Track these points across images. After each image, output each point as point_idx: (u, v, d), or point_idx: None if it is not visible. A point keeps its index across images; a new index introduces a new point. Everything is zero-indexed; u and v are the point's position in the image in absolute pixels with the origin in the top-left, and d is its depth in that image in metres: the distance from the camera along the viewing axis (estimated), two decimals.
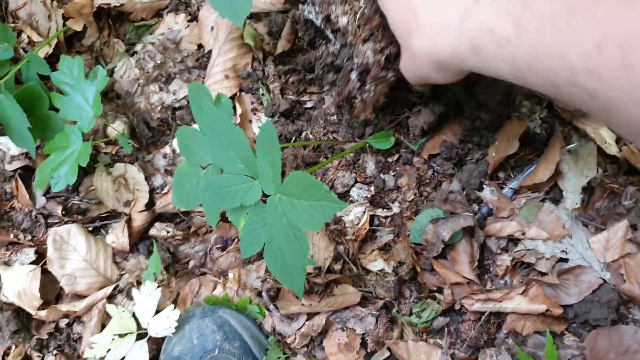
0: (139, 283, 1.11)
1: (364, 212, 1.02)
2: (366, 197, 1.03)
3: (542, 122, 0.99)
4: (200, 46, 1.16)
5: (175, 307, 1.01)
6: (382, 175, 1.04)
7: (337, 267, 1.01)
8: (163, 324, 1.01)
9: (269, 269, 0.84)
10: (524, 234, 0.94)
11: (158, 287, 1.03)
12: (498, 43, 0.59)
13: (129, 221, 1.12)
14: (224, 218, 1.08)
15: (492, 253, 0.97)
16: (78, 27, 1.15)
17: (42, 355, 1.13)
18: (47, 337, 1.13)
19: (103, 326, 1.08)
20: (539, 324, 0.92)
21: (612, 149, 0.93)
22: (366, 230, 1.01)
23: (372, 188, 1.04)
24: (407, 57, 0.75)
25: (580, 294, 0.92)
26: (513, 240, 0.97)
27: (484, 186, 0.98)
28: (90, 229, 1.15)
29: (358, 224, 1.02)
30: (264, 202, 0.79)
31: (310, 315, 1.01)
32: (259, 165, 0.76)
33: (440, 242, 0.95)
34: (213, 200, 0.84)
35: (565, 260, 0.94)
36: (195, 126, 1.06)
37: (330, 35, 0.89)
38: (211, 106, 0.83)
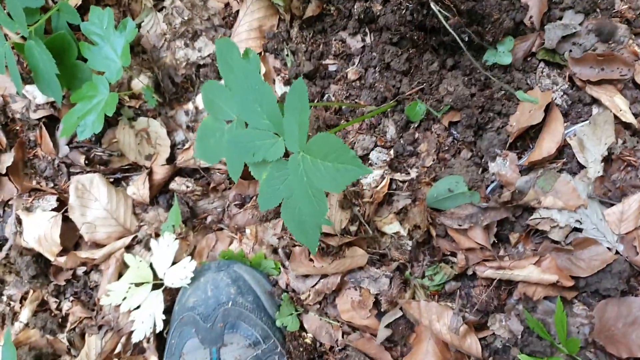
0: (157, 235, 1.13)
1: (383, 176, 1.04)
2: (385, 160, 1.05)
3: (564, 94, 1.00)
4: (227, 5, 1.17)
5: (192, 259, 1.03)
6: (401, 140, 1.05)
7: (353, 228, 1.03)
8: (179, 275, 1.03)
9: (286, 225, 0.85)
10: (539, 202, 0.95)
11: (176, 239, 1.05)
12: None
13: (149, 174, 1.13)
14: (243, 176, 1.10)
15: (506, 220, 0.98)
16: None
17: (58, 301, 1.15)
18: (64, 283, 1.15)
19: (120, 275, 1.10)
20: (549, 290, 0.94)
21: (628, 116, 0.94)
22: (384, 194, 1.03)
23: (392, 152, 1.05)
24: None
25: (592, 268, 0.93)
26: (528, 209, 0.98)
27: (497, 158, 0.99)
28: (112, 180, 1.17)
29: (376, 187, 1.04)
30: (287, 159, 0.80)
31: (325, 274, 1.03)
32: (286, 122, 0.77)
33: None
34: (236, 153, 0.85)
35: (580, 230, 0.95)
36: (221, 82, 1.07)
37: None
38: (241, 61, 0.84)
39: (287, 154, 0.80)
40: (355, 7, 1.08)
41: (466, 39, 0.97)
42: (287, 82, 1.12)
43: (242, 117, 0.86)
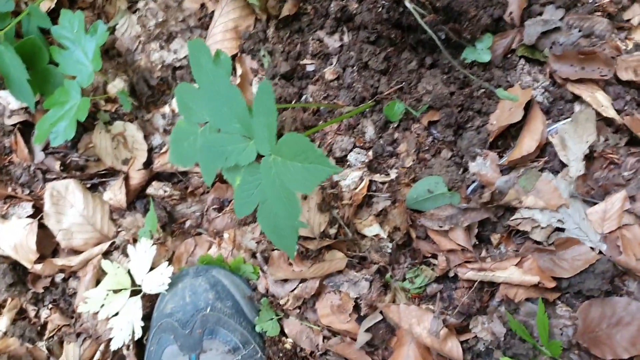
0: (135, 240, 1.11)
1: (362, 177, 1.02)
2: (364, 162, 1.03)
3: (545, 91, 0.99)
4: (202, 5, 1.15)
5: (169, 265, 1.01)
6: (381, 141, 1.03)
7: (332, 231, 1.01)
8: (156, 281, 1.01)
9: (262, 230, 0.84)
10: (520, 202, 0.94)
11: (153, 244, 1.04)
12: None
13: (126, 179, 1.12)
14: (221, 179, 1.09)
15: (488, 220, 0.97)
16: None
17: (37, 308, 1.14)
18: (42, 291, 1.14)
19: (98, 282, 1.09)
20: (531, 292, 0.92)
21: (610, 112, 0.92)
22: (363, 196, 1.01)
23: (371, 153, 1.03)
24: None
25: (575, 268, 0.91)
26: (509, 209, 0.96)
27: (477, 157, 0.97)
28: (88, 185, 1.15)
29: (355, 188, 1.02)
30: (260, 162, 0.78)
31: (304, 279, 1.01)
32: (255, 125, 0.75)
33: None
34: (209, 159, 0.84)
35: (562, 230, 0.93)
36: (195, 85, 1.05)
37: None
38: (209, 64, 0.82)
39: (259, 158, 0.78)
40: (331, 5, 1.06)
41: (443, 37, 0.95)
42: None
43: (213, 121, 0.84)
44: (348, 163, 1.04)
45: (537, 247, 0.93)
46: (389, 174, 1.03)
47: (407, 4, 0.90)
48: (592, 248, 0.91)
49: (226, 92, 0.79)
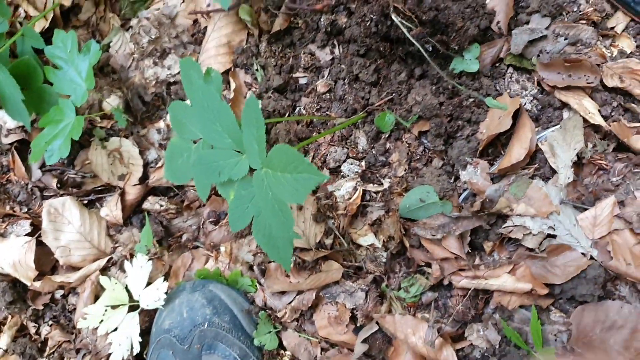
0: (132, 256, 1.12)
1: (356, 187, 1.03)
2: (357, 172, 1.04)
3: (533, 99, 1.00)
4: (195, 21, 1.16)
5: (165, 280, 1.02)
6: (373, 151, 1.04)
7: (328, 241, 1.02)
8: (153, 296, 1.02)
9: (257, 243, 0.84)
10: (512, 210, 0.95)
11: (149, 260, 1.05)
12: None
13: (122, 194, 1.13)
14: (216, 192, 1.10)
15: (480, 228, 0.98)
16: (67, 2, 1.15)
17: (37, 325, 1.15)
18: (42, 307, 1.15)
19: (97, 298, 1.09)
20: (525, 299, 0.93)
21: (597, 118, 0.93)
22: (357, 205, 1.02)
23: (364, 163, 1.04)
24: None
25: (567, 275, 0.92)
26: (501, 217, 0.97)
27: (468, 166, 0.98)
28: (85, 202, 1.17)
29: (349, 198, 1.03)
30: (252, 176, 0.79)
31: (301, 290, 1.02)
32: (245, 139, 0.76)
33: None
34: (202, 175, 0.85)
35: (553, 236, 0.94)
36: (189, 101, 1.06)
37: None
38: (200, 82, 0.84)
39: (251, 172, 0.79)
40: (322, 19, 1.07)
41: (430, 48, 0.96)
42: (258, 97, 1.12)
43: (205, 137, 0.85)
44: (342, 174, 1.05)
45: (529, 254, 0.94)
46: (382, 184, 1.04)
47: (394, 17, 0.91)
48: (583, 254, 0.91)
49: (217, 108, 0.80)
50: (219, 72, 1.06)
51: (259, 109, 0.72)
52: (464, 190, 0.99)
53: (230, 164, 0.81)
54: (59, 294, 1.15)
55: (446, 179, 1.00)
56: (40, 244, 1.14)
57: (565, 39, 0.99)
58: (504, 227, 0.95)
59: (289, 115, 1.09)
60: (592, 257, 0.92)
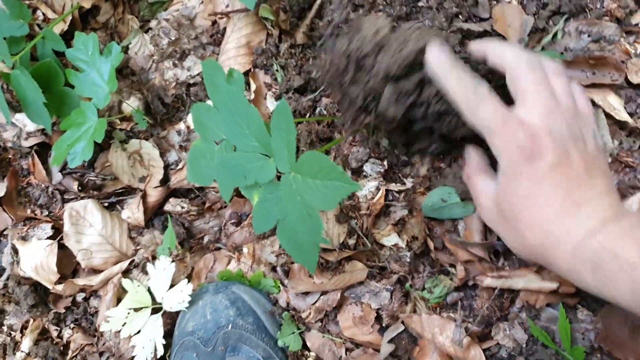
0: (154, 258, 1.12)
1: (378, 187, 1.03)
2: (380, 172, 1.03)
3: None
4: (214, 23, 1.16)
5: (189, 282, 1.02)
6: (395, 151, 1.04)
7: (351, 242, 1.02)
8: (176, 298, 1.02)
9: (282, 246, 0.85)
10: None
11: (172, 261, 1.04)
12: (620, 266, 0.61)
13: (144, 197, 1.13)
14: (238, 194, 1.09)
15: None
16: (87, 4, 1.15)
17: (59, 328, 1.15)
18: (64, 311, 1.15)
19: (119, 300, 1.09)
20: (552, 297, 0.92)
21: (622, 115, 0.93)
22: (381, 206, 1.02)
23: (386, 163, 1.04)
24: (517, 238, 0.78)
25: None
26: None
27: None
28: (106, 204, 1.16)
29: (372, 198, 1.03)
30: (278, 179, 0.79)
31: (325, 291, 1.02)
32: (274, 144, 0.76)
33: None
34: (227, 177, 0.85)
35: None
36: (210, 102, 1.06)
37: None
38: (225, 84, 0.83)
39: (277, 176, 0.79)
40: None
41: None
42: (278, 97, 1.12)
43: (231, 140, 0.85)
44: (364, 173, 1.05)
45: None
46: (405, 183, 1.04)
47: None
48: None
49: (243, 111, 0.79)
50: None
51: (291, 113, 0.72)
52: None
53: (257, 168, 0.81)
54: (80, 297, 1.15)
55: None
56: (61, 247, 1.14)
57: (588, 36, 0.98)
58: None
59: (309, 116, 1.09)
60: None
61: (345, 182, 0.69)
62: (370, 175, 1.04)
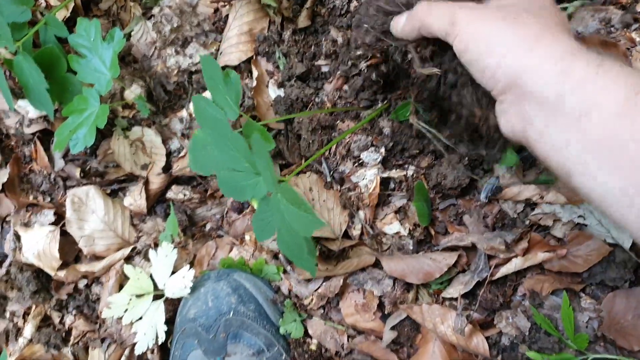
0: (156, 245, 1.12)
1: (378, 175, 1.02)
2: (379, 160, 1.03)
3: None
4: (216, 10, 1.15)
5: (190, 268, 1.02)
6: (396, 139, 1.03)
7: (354, 232, 1.02)
8: (178, 285, 1.02)
9: (282, 252, 0.86)
10: (542, 197, 0.94)
11: (174, 248, 1.04)
12: None
13: (146, 184, 1.13)
14: None
15: (507, 217, 0.97)
16: None
17: (61, 315, 1.15)
18: (66, 297, 1.15)
19: (121, 287, 1.09)
20: (557, 283, 0.92)
21: None
22: (380, 194, 1.01)
23: (385, 151, 1.03)
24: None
25: (589, 262, 0.91)
26: (530, 205, 0.96)
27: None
28: (108, 191, 1.16)
29: (372, 187, 1.02)
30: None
31: (327, 277, 1.02)
32: (258, 166, 0.79)
33: None
34: (228, 193, 0.86)
35: (585, 225, 0.93)
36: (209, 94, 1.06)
37: None
38: (212, 112, 0.85)
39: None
40: (345, 6, 1.06)
41: None
42: (280, 85, 1.11)
43: (225, 163, 0.86)
44: (364, 162, 1.04)
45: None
46: (405, 172, 1.03)
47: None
48: (610, 244, 0.90)
49: (230, 137, 0.81)
50: (242, 60, 1.06)
51: (262, 140, 0.73)
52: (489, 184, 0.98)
53: (251, 185, 0.84)
54: (82, 283, 1.15)
55: (463, 170, 0.98)
56: (63, 234, 1.14)
57: (595, 22, 0.97)
58: (533, 215, 0.94)
59: (312, 103, 1.08)
60: (617, 245, 0.91)
61: (313, 218, 0.71)
62: (370, 163, 1.04)
